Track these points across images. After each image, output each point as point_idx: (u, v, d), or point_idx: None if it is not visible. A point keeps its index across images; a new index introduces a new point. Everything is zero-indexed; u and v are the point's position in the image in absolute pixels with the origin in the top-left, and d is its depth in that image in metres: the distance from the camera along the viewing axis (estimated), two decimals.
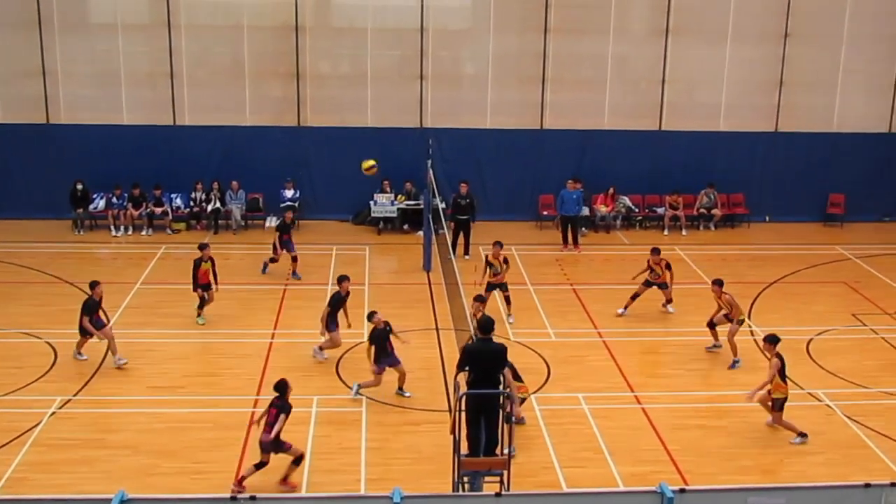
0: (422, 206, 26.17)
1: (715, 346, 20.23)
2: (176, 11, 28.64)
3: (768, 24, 29.88)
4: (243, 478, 14.89)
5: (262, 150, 29.26)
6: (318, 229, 28.67)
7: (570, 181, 27.62)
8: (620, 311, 22.37)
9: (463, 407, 13.90)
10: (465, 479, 14.06)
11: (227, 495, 11.84)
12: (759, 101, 30.41)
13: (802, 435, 16.54)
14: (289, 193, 28.64)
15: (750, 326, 21.50)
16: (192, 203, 28.71)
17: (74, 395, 17.87)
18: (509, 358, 14.86)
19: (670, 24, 29.64)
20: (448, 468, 14.29)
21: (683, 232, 29.40)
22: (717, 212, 29.89)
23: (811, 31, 29.98)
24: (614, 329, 21.63)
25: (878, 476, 15.09)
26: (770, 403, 16.62)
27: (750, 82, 30.35)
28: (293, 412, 15.22)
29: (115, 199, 28.23)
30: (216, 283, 21.49)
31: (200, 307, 21.37)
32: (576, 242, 27.53)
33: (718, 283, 20.03)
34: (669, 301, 22.49)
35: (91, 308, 19.04)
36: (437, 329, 21.39)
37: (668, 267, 22.12)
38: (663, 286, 22.22)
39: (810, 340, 20.88)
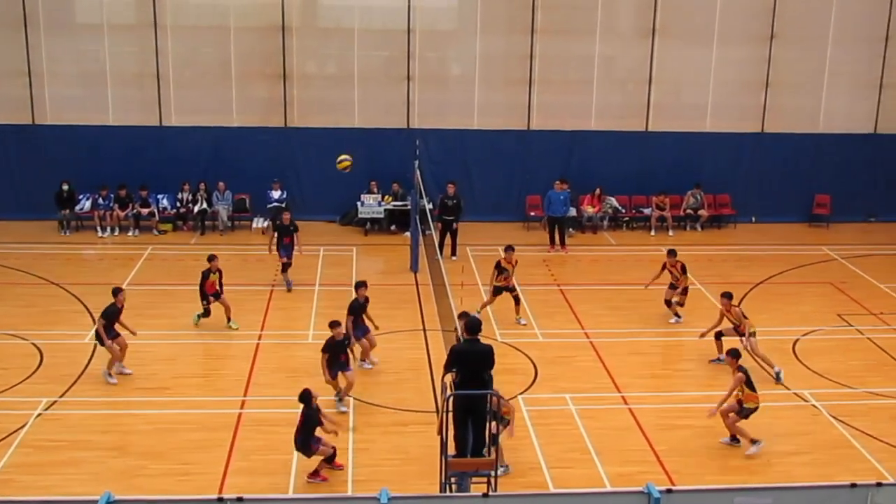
0: (409, 207, 26.17)
1: (719, 359, 19.46)
2: (162, 12, 28.57)
3: (754, 26, 29.99)
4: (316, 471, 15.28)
5: (248, 150, 29.21)
6: (306, 230, 28.41)
7: (557, 182, 27.64)
8: (673, 320, 22.07)
9: (450, 408, 13.91)
10: (453, 479, 14.07)
11: (214, 496, 11.82)
12: (745, 101, 30.51)
13: (755, 442, 16.19)
14: (276, 194, 28.59)
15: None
16: (178, 204, 28.64)
17: (61, 397, 17.81)
18: (496, 359, 14.86)
19: (657, 25, 29.71)
20: (435, 469, 14.30)
21: (670, 232, 29.46)
22: (703, 212, 29.96)
23: (797, 32, 30.09)
24: (601, 330, 21.66)
25: (864, 476, 15.14)
26: (737, 411, 16.30)
27: (736, 83, 30.45)
28: (285, 413, 15.21)
29: (101, 200, 28.13)
30: (222, 291, 21.14)
31: (205, 315, 20.96)
32: (563, 243, 27.55)
33: (728, 296, 19.52)
34: (681, 304, 22.07)
35: (111, 316, 18.41)
36: (424, 330, 21.38)
37: (684, 270, 21.87)
38: (678, 288, 21.91)
39: (796, 341, 20.94)
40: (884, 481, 11.81)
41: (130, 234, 28.07)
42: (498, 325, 21.58)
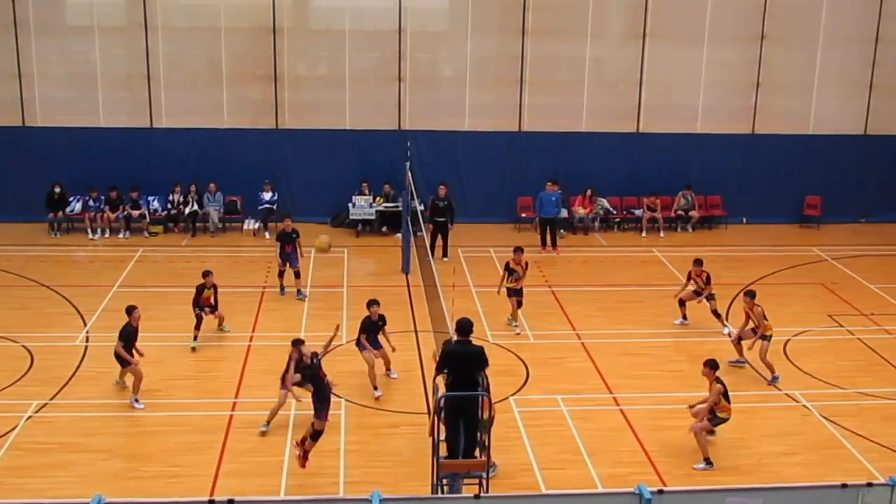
0: (400, 209, 26.15)
1: (739, 361, 19.66)
2: (153, 13, 28.52)
3: (745, 27, 30.05)
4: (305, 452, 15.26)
5: (239, 152, 29.17)
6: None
7: (548, 183, 27.65)
8: (678, 321, 22.10)
9: (442, 409, 13.91)
10: (444, 481, 14.08)
11: (205, 499, 11.80)
12: (735, 103, 30.56)
13: (708, 462, 15.98)
14: (267, 196, 28.56)
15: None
16: (169, 205, 28.59)
17: (51, 399, 17.76)
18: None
19: (647, 27, 29.75)
20: (427, 470, 14.30)
21: (661, 234, 29.50)
22: (694, 213, 30.00)
23: (787, 33, 30.17)
24: (593, 331, 21.67)
25: (855, 476, 15.17)
26: (708, 418, 16.19)
27: (727, 84, 30.51)
28: (278, 414, 15.15)
29: (91, 202, 28.08)
30: (217, 306, 20.74)
31: (197, 325, 20.21)
32: (554, 244, 27.55)
33: (751, 294, 19.44)
34: (718, 317, 21.74)
35: (129, 335, 17.72)
36: (415, 331, 21.37)
37: (709, 280, 21.64)
38: (709, 298, 21.70)
39: (787, 341, 20.98)
40: (874, 481, 11.84)
41: (121, 235, 28.01)
42: (489, 326, 21.58)
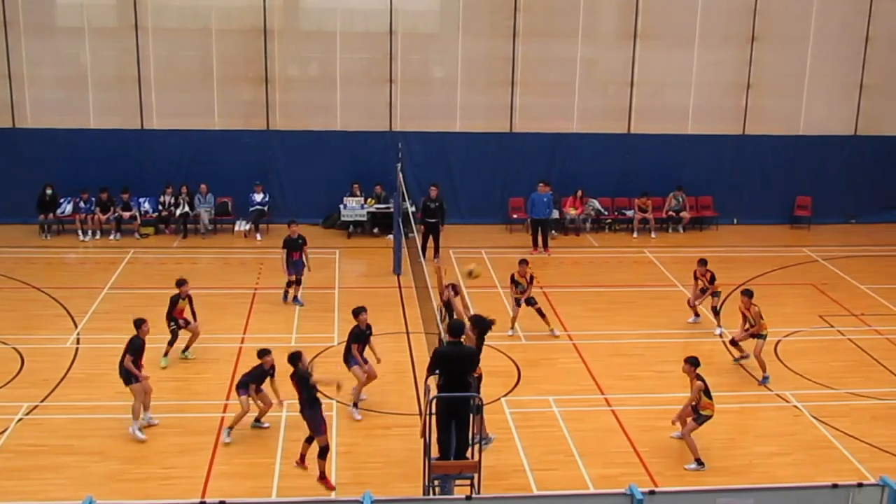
0: (392, 210, 26.15)
1: (743, 357, 19.85)
2: (143, 15, 28.47)
3: (735, 28, 30.10)
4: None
5: (230, 153, 29.13)
6: (288, 233, 28.55)
7: (540, 184, 27.66)
8: (691, 319, 22.30)
9: (433, 410, 13.91)
10: (436, 482, 14.08)
11: (197, 500, 11.79)
12: (726, 104, 30.62)
13: (700, 462, 16.00)
14: (258, 197, 28.54)
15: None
16: (160, 207, 28.56)
17: (42, 402, 17.73)
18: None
19: (638, 28, 29.79)
20: (419, 471, 14.30)
21: (652, 234, 29.54)
22: (685, 214, 30.04)
23: (778, 34, 30.24)
24: (584, 332, 21.69)
25: (846, 476, 15.22)
26: (693, 417, 16.20)
27: (717, 85, 30.57)
28: (267, 416, 15.12)
29: (82, 204, 28.02)
30: (195, 319, 19.77)
31: (171, 341, 19.34)
32: (545, 245, 27.55)
33: (748, 293, 19.44)
34: (716, 314, 21.90)
35: (138, 349, 16.82)
36: (407, 332, 21.37)
37: (713, 279, 21.77)
38: (714, 295, 21.84)
39: (778, 342, 21.02)
40: (865, 481, 11.89)
41: (112, 237, 27.96)
42: None
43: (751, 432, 17.31)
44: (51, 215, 28.02)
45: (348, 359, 17.51)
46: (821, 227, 30.61)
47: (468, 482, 14.00)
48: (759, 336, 19.19)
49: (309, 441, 15.41)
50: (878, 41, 30.57)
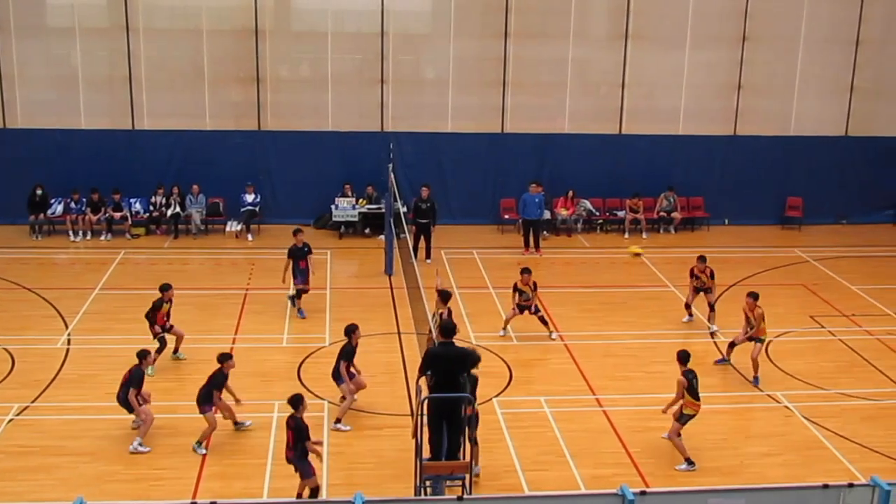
0: (383, 210, 26.13)
1: (725, 361, 19.89)
2: (134, 15, 28.41)
3: (726, 28, 30.14)
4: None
5: (222, 154, 29.09)
6: (279, 234, 28.45)
7: (532, 185, 27.67)
8: (686, 318, 22.34)
9: (425, 411, 13.91)
10: (428, 483, 14.07)
11: (188, 501, 11.76)
12: (717, 104, 30.67)
13: (690, 462, 15.98)
14: (249, 198, 28.51)
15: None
16: (151, 208, 28.51)
17: (32, 402, 17.68)
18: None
19: (629, 29, 29.81)
20: (410, 472, 14.30)
21: (644, 235, 29.56)
22: (676, 215, 30.07)
23: (769, 34, 30.29)
24: (575, 332, 21.70)
25: (836, 477, 15.24)
26: (677, 416, 16.17)
27: (708, 86, 30.61)
28: (259, 417, 15.09)
29: (73, 204, 27.95)
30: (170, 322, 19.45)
31: (160, 349, 19.10)
32: (537, 246, 27.53)
33: (753, 295, 19.27)
34: (712, 310, 21.88)
35: (140, 381, 16.52)
36: (398, 333, 21.36)
37: (712, 275, 21.78)
38: (707, 291, 21.89)
39: (769, 342, 21.01)
40: (855, 482, 11.90)
41: (103, 238, 27.90)
42: (472, 328, 21.59)
43: (742, 433, 17.34)
44: (41, 216, 27.95)
45: (337, 376, 17.30)
46: (812, 228, 30.67)
47: (459, 483, 14.00)
48: (757, 340, 19.19)
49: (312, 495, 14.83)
50: (869, 43, 30.65)
